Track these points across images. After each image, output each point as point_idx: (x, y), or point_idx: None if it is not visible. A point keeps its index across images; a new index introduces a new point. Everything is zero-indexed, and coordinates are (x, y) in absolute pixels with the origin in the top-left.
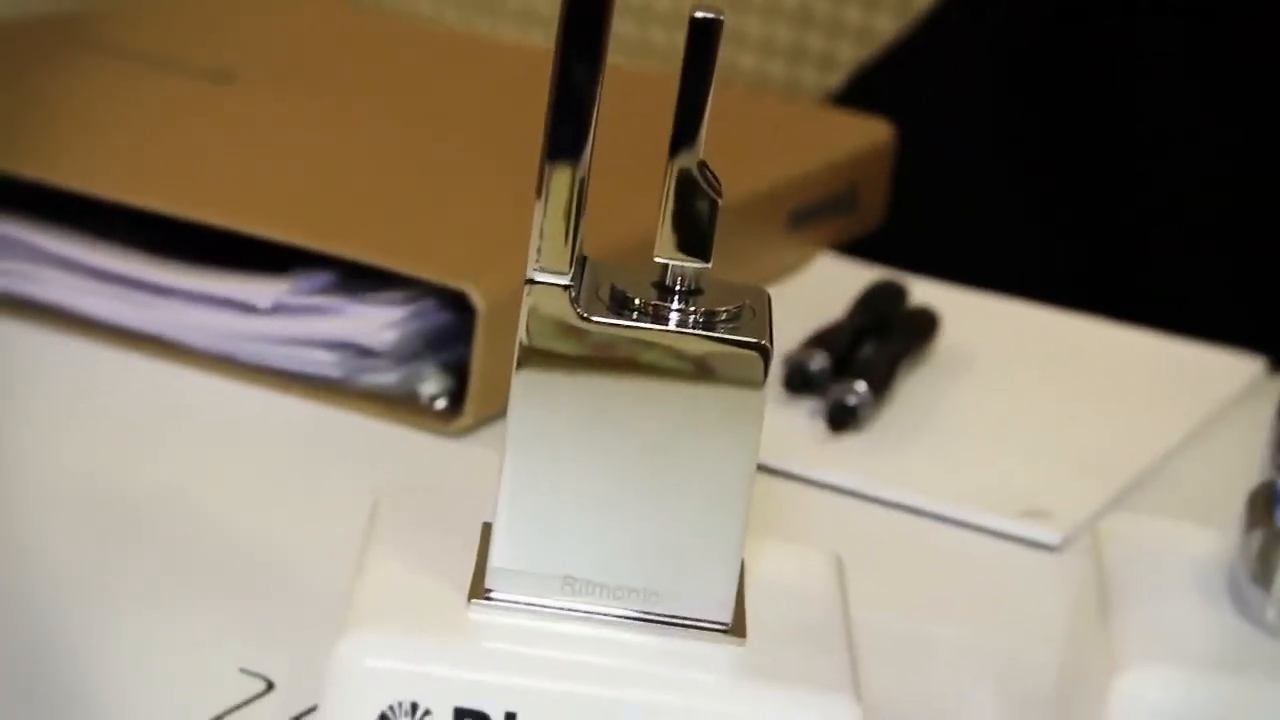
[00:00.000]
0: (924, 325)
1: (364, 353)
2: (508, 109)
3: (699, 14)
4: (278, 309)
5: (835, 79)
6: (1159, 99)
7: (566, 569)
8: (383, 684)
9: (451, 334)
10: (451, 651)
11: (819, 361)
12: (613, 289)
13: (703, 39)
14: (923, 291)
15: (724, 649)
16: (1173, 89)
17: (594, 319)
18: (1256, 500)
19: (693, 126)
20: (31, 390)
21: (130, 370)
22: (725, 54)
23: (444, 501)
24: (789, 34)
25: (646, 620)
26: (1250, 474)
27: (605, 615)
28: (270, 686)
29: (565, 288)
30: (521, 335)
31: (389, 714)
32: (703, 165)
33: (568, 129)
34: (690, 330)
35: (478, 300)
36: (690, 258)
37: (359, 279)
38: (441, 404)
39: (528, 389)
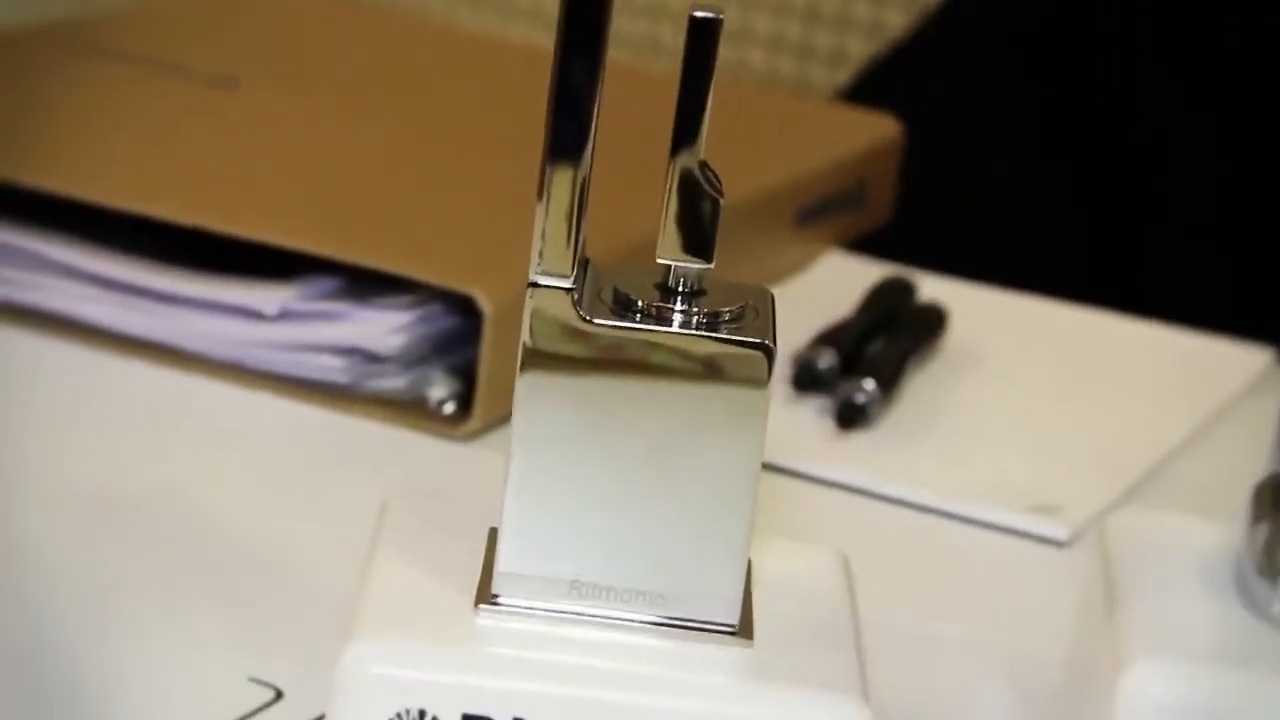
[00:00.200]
0: (932, 321)
1: (371, 358)
2: (514, 110)
3: (698, 13)
4: (284, 315)
5: (845, 76)
6: (1162, 94)
7: (573, 573)
8: (390, 691)
9: (459, 338)
10: (458, 657)
11: (827, 359)
12: (615, 291)
13: (702, 38)
14: (931, 287)
15: (731, 650)
16: (1175, 85)
17: (597, 321)
18: (1262, 493)
19: (693, 126)
20: (36, 398)
21: (136, 378)
22: (735, 52)
23: (451, 506)
24: (798, 30)
25: (654, 623)
26: (1260, 466)
27: (612, 619)
28: (279, 695)
29: (568, 290)
30: (525, 338)
31: None
32: (704, 165)
33: (568, 130)
34: (693, 331)
35: (485, 304)
36: (692, 258)
37: (365, 284)
38: (450, 408)
39: (532, 392)
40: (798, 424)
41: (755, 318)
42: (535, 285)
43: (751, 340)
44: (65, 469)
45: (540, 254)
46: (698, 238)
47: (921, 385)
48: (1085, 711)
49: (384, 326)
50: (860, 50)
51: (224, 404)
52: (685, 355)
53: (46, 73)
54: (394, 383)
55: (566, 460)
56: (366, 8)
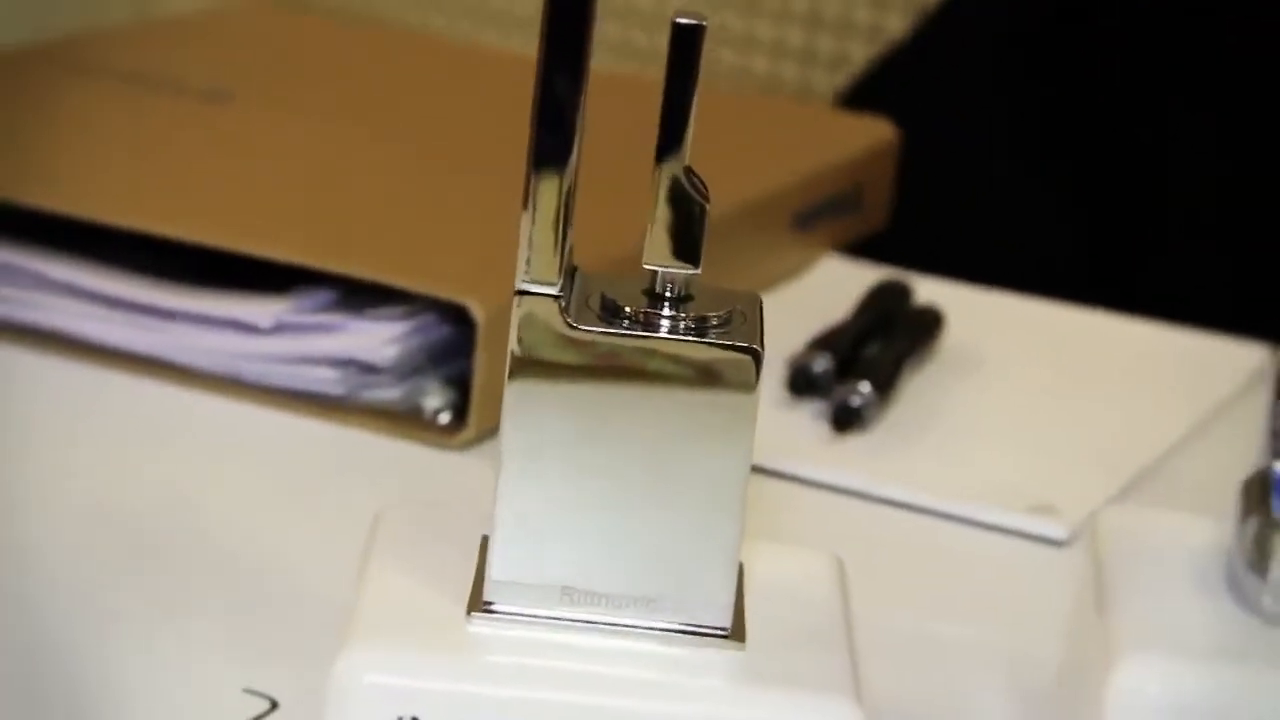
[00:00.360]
0: (929, 324)
1: (366, 369)
2: (506, 121)
3: (681, 20)
4: (279, 328)
5: (847, 80)
6: (1162, 95)
7: (565, 579)
8: (383, 700)
9: (453, 348)
10: (451, 665)
11: (822, 363)
12: (603, 298)
13: (686, 44)
14: (927, 290)
15: (724, 654)
16: (1175, 85)
17: (585, 328)
18: (1251, 488)
19: (678, 132)
20: (34, 415)
21: (133, 393)
22: (737, 59)
23: (445, 515)
24: (800, 36)
25: (646, 628)
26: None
27: (604, 624)
28: (275, 706)
29: (555, 298)
30: (513, 346)
31: None
32: (689, 170)
33: (552, 139)
34: (681, 337)
35: (478, 313)
36: (680, 264)
37: (360, 295)
38: (445, 418)
39: (520, 399)
40: (793, 428)
41: (743, 322)
42: (522, 293)
43: (739, 345)
44: (64, 483)
45: (528, 262)
46: (684, 243)
47: (918, 387)
48: (1077, 710)
49: (378, 338)
50: (862, 54)
51: (220, 417)
52: (673, 360)
53: (38, 91)
54: (389, 393)
55: (556, 467)
56: (356, 22)
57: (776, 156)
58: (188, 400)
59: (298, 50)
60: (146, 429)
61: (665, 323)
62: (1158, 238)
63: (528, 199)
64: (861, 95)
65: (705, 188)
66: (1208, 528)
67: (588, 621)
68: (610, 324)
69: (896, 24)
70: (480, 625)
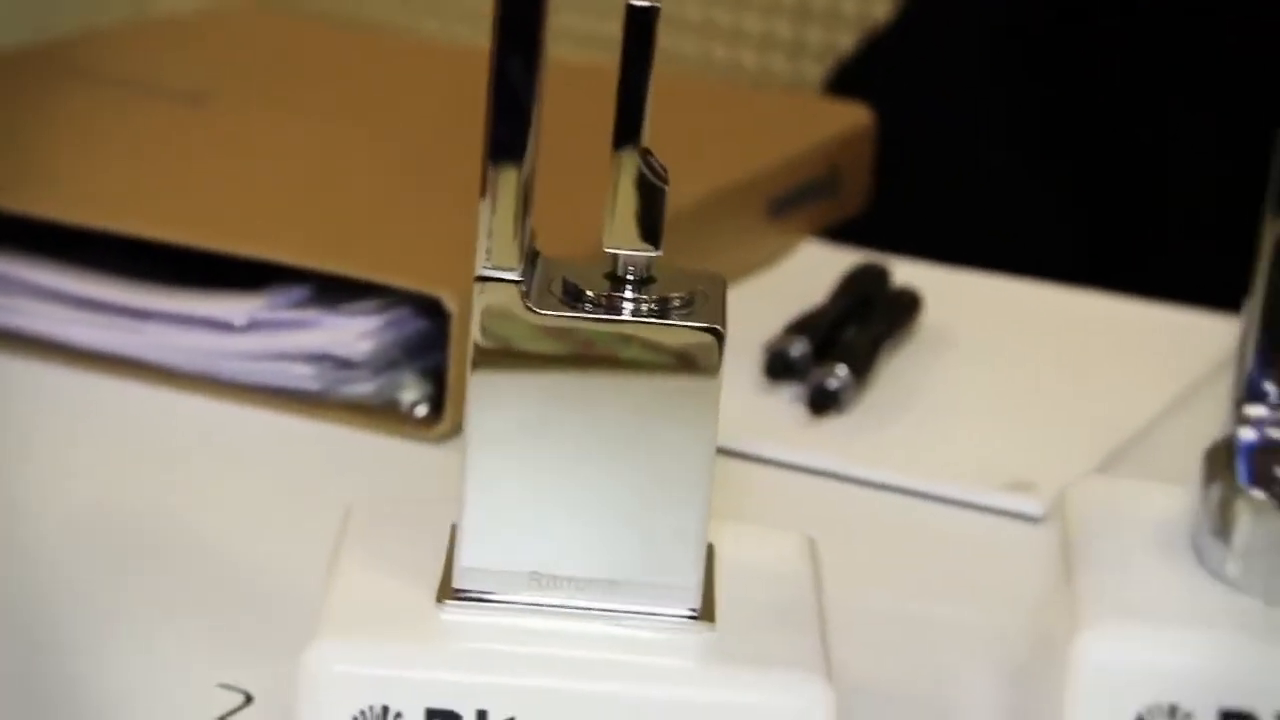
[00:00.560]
0: (906, 306)
1: (342, 364)
2: (477, 115)
3: (636, 3)
4: (254, 325)
5: None
6: (1154, 79)
7: (533, 565)
8: (353, 689)
9: (429, 341)
10: (420, 653)
11: (799, 348)
12: (565, 282)
13: (640, 28)
14: (905, 272)
15: (694, 635)
16: (1167, 69)
17: (546, 313)
18: (1216, 454)
19: (635, 116)
20: (11, 419)
21: (108, 393)
22: (727, 52)
23: (415, 506)
24: (789, 28)
25: (615, 611)
26: None
27: (574, 609)
28: (249, 700)
29: (516, 283)
30: (475, 334)
31: (360, 719)
32: (647, 153)
33: (507, 126)
34: (643, 318)
35: (451, 304)
36: (641, 247)
37: (334, 291)
38: (422, 411)
39: (484, 386)
40: (771, 412)
41: (706, 302)
42: (483, 279)
43: (701, 325)
44: (43, 485)
45: (488, 250)
46: (644, 226)
47: (896, 369)
48: (1046, 680)
49: (353, 332)
50: (851, 45)
51: (197, 416)
52: (635, 342)
53: (12, 94)
54: (365, 388)
55: (522, 453)
56: (346, 24)
57: (752, 143)
58: (165, 400)
59: (277, 52)
60: (124, 429)
61: (627, 305)
62: (1143, 218)
63: (485, 187)
64: (844, 81)
65: (664, 170)
66: (1176, 497)
67: (557, 606)
68: (572, 308)
69: (883, 13)
70: (449, 613)
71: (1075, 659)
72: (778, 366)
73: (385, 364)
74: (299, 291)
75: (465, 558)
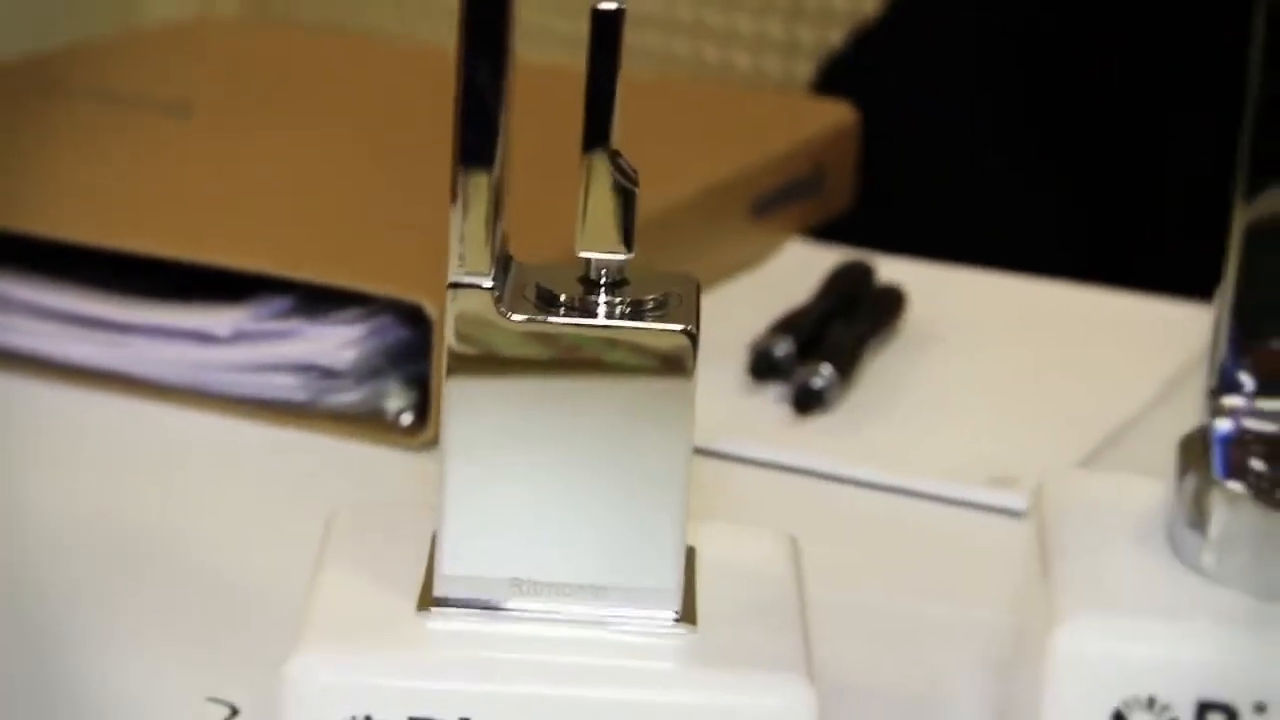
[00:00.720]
0: (891, 303)
1: (326, 373)
2: None
3: (601, 6)
4: (237, 336)
5: None
6: (1138, 75)
7: (513, 571)
8: (335, 699)
9: (413, 348)
10: (402, 662)
11: (784, 347)
12: (538, 287)
13: (606, 30)
14: (890, 269)
15: (675, 637)
16: (1154, 65)
17: (520, 318)
18: (1190, 445)
19: (604, 119)
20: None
21: (92, 408)
22: (719, 53)
23: (397, 514)
24: (780, 28)
25: (596, 615)
26: None
27: (554, 614)
28: (235, 712)
29: (489, 289)
30: (449, 340)
31: None
32: (616, 155)
33: (477, 132)
34: (617, 321)
35: (432, 310)
36: (612, 250)
37: (317, 301)
38: (407, 419)
39: (460, 392)
40: (756, 412)
41: (679, 304)
42: (455, 286)
43: (674, 327)
44: (30, 500)
45: (460, 256)
46: (616, 229)
47: (881, 367)
48: (1024, 674)
49: (336, 341)
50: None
51: (183, 428)
52: (608, 345)
53: None
54: (350, 397)
55: (499, 459)
56: (340, 31)
57: (734, 143)
58: (151, 412)
59: (263, 62)
60: (110, 443)
61: (601, 308)
62: (1150, 228)
63: (455, 193)
64: (832, 78)
65: (634, 172)
66: (1152, 489)
67: (538, 612)
68: (546, 312)
69: (874, 10)
70: (431, 621)
71: (1052, 653)
72: (762, 366)
73: (369, 373)
74: (282, 302)
75: (446, 565)
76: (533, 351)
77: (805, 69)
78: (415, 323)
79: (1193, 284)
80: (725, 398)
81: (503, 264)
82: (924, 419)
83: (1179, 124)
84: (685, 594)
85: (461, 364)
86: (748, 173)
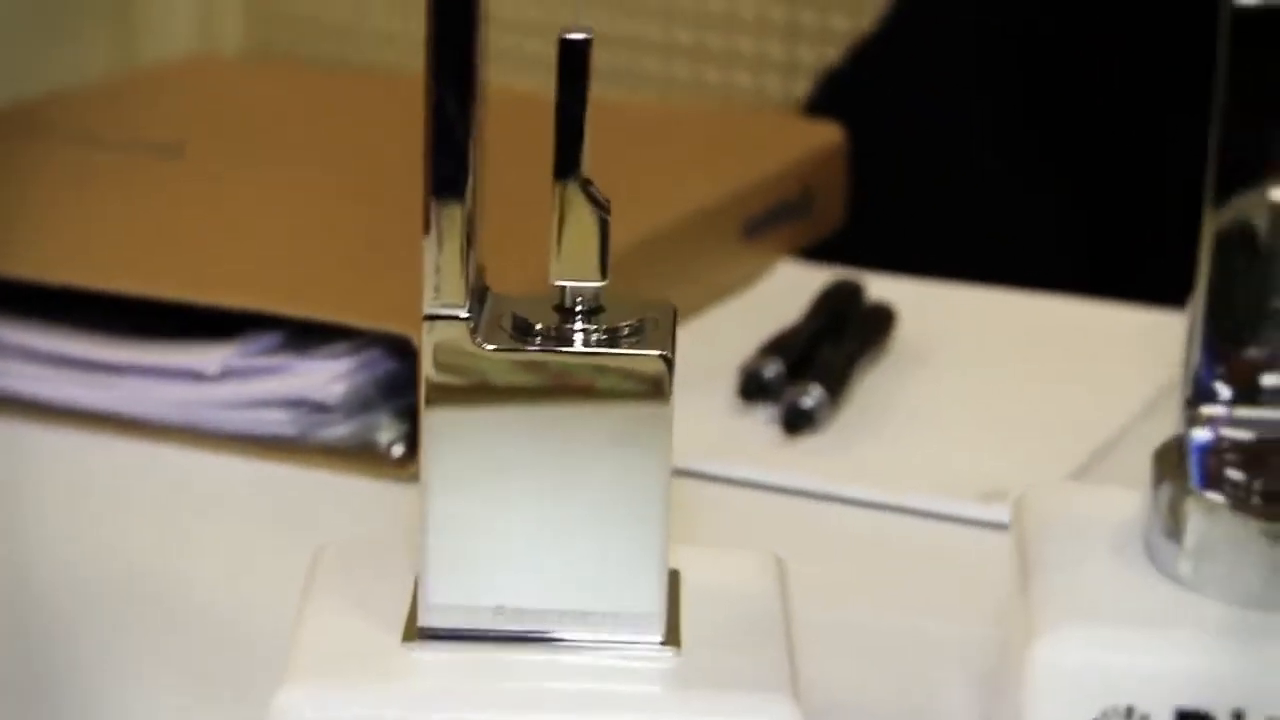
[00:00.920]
0: (881, 321)
1: (317, 408)
2: None
3: (568, 35)
4: (227, 373)
5: None
6: (1138, 87)
7: (498, 599)
8: None
9: (402, 381)
10: (388, 694)
11: (773, 368)
12: (514, 317)
13: (574, 59)
14: (880, 287)
15: (660, 661)
16: (1154, 77)
17: (495, 347)
18: (1165, 456)
19: (574, 148)
20: None
21: (83, 449)
22: (719, 74)
23: (384, 547)
24: (780, 49)
25: (581, 641)
26: None
27: (539, 640)
28: None
29: (465, 319)
30: (427, 372)
31: None
32: (588, 183)
33: (447, 162)
34: (593, 349)
35: (419, 343)
36: (587, 277)
37: (306, 336)
38: (398, 450)
39: (439, 425)
40: (746, 434)
41: (655, 329)
42: (430, 318)
43: (650, 353)
44: (24, 543)
45: (435, 288)
46: (590, 256)
47: (871, 385)
48: (1007, 688)
49: (325, 375)
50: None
51: (174, 467)
52: (586, 373)
53: None
54: (341, 430)
55: (480, 488)
56: (339, 67)
57: (723, 166)
58: (143, 452)
59: (253, 101)
60: (102, 483)
61: (577, 336)
62: (1152, 237)
63: (428, 225)
64: (827, 97)
65: (607, 200)
66: (1131, 499)
67: (522, 639)
68: (522, 341)
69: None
70: (417, 652)
71: (1031, 665)
72: (752, 388)
73: (359, 406)
74: (270, 338)
75: (430, 596)
76: (510, 381)
77: (805, 88)
78: (404, 355)
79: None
80: (715, 420)
81: (479, 294)
82: (914, 436)
83: (1178, 129)
84: (669, 617)
85: (439, 395)
86: (738, 195)
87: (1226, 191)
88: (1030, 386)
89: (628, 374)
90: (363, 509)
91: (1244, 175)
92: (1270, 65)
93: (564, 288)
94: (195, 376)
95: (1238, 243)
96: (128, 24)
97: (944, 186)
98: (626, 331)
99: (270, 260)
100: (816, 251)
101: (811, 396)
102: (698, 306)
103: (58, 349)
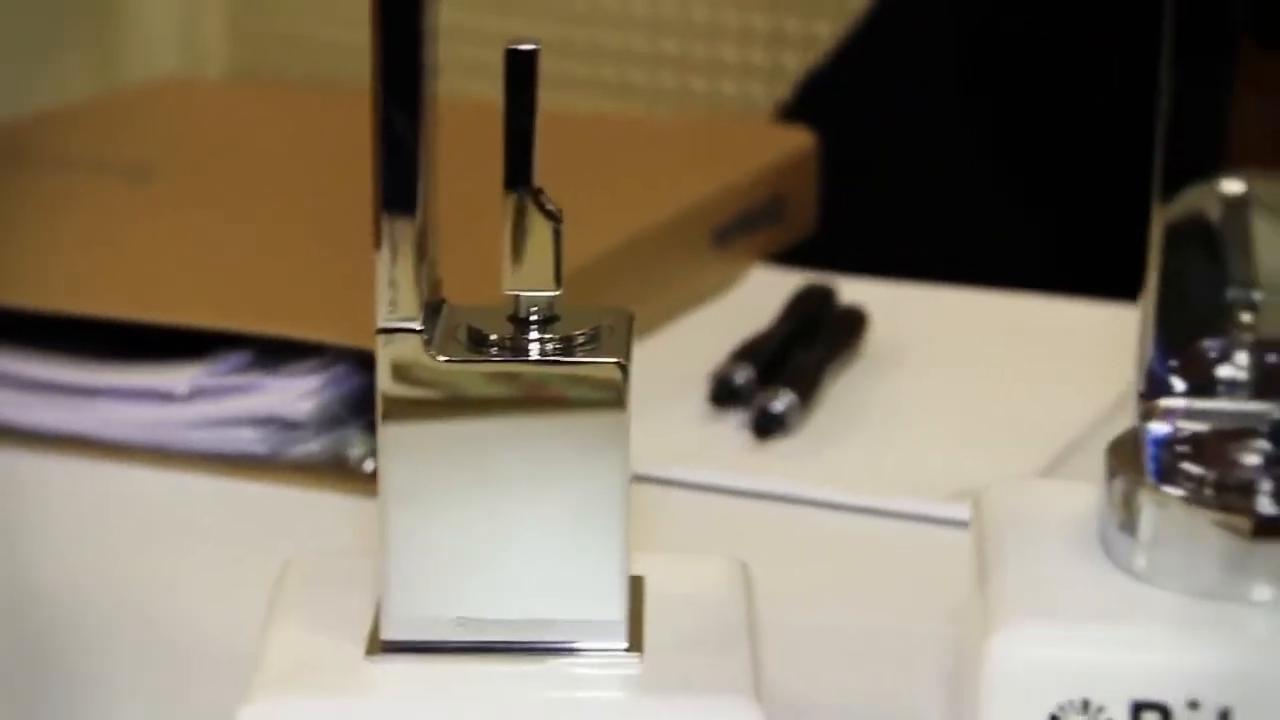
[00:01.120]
0: (852, 325)
1: (287, 425)
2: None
3: (515, 46)
4: (196, 393)
5: None
6: (1098, 95)
7: (459, 610)
8: None
9: (372, 396)
10: (350, 707)
11: (744, 374)
12: (469, 329)
13: (521, 70)
14: (852, 290)
15: (623, 667)
16: (1112, 87)
17: (450, 360)
18: (1118, 449)
19: (524, 157)
20: None
21: (53, 472)
22: (704, 83)
23: (350, 561)
24: (763, 55)
25: (543, 650)
26: None
27: (502, 650)
28: None
29: (419, 332)
30: (381, 385)
31: None
32: (539, 193)
33: (397, 178)
34: (548, 358)
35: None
36: (541, 286)
37: (275, 354)
38: (370, 465)
39: (396, 438)
40: (717, 440)
41: (611, 336)
42: (384, 331)
43: (605, 361)
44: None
45: (391, 303)
46: (543, 266)
47: (843, 389)
48: (965, 685)
49: (295, 392)
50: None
51: (146, 488)
52: (541, 382)
53: None
54: (312, 447)
55: (439, 500)
56: (309, 85)
57: (693, 173)
58: (114, 474)
59: (225, 122)
60: (75, 507)
61: (533, 346)
62: (1096, 232)
63: (379, 240)
64: (800, 102)
65: (558, 208)
66: (1089, 494)
67: (485, 649)
68: (477, 353)
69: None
70: (379, 665)
71: (987, 661)
72: (722, 394)
73: (330, 422)
74: (239, 357)
75: (392, 609)
76: (465, 393)
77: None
78: (373, 370)
79: None
80: (687, 427)
81: (434, 307)
82: (885, 438)
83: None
84: (633, 623)
85: (396, 408)
86: (708, 202)
87: (1173, 187)
88: (1002, 385)
89: (584, 382)
90: (336, 525)
91: (1188, 171)
92: (1216, 59)
93: (518, 297)
94: (165, 397)
95: (1189, 236)
96: (111, 46)
97: (919, 189)
98: (582, 340)
99: (237, 279)
100: (791, 256)
101: (782, 401)
102: (670, 314)
103: (25, 373)
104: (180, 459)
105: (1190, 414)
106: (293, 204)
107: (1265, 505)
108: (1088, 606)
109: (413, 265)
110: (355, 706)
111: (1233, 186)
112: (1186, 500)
